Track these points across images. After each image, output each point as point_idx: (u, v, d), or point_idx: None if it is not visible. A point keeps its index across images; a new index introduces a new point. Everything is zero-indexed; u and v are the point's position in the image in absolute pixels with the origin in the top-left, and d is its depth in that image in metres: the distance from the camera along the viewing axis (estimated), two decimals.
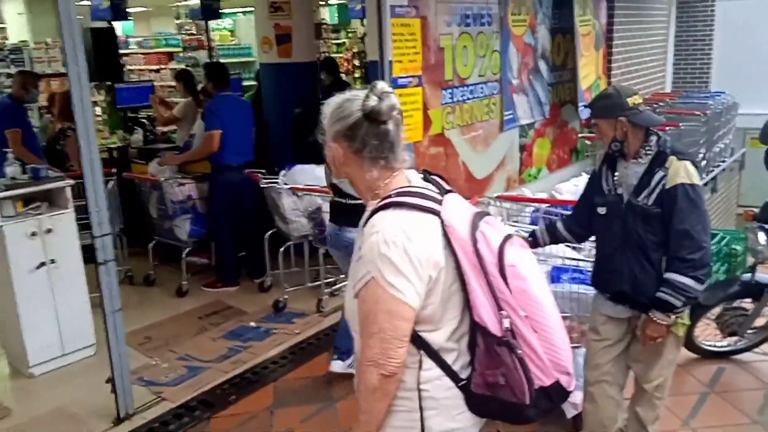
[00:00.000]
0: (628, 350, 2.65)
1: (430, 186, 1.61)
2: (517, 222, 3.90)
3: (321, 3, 12.01)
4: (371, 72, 5.05)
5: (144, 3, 12.99)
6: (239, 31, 13.90)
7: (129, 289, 5.11)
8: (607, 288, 2.57)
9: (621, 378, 2.69)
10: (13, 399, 3.71)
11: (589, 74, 7.35)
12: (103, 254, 3.21)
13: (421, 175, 1.65)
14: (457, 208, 1.56)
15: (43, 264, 3.85)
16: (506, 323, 1.48)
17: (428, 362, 1.54)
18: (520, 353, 1.48)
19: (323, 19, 12.35)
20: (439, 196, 1.57)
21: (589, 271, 2.82)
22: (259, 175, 4.89)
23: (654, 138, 2.44)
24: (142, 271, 5.35)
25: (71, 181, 4.01)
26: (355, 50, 12.62)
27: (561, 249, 3.16)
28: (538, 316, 1.51)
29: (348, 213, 3.32)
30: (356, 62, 12.34)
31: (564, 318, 2.71)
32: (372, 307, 1.48)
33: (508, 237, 1.56)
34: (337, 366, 3.66)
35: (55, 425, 3.41)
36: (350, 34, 13.27)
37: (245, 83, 8.84)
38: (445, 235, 1.50)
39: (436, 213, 1.52)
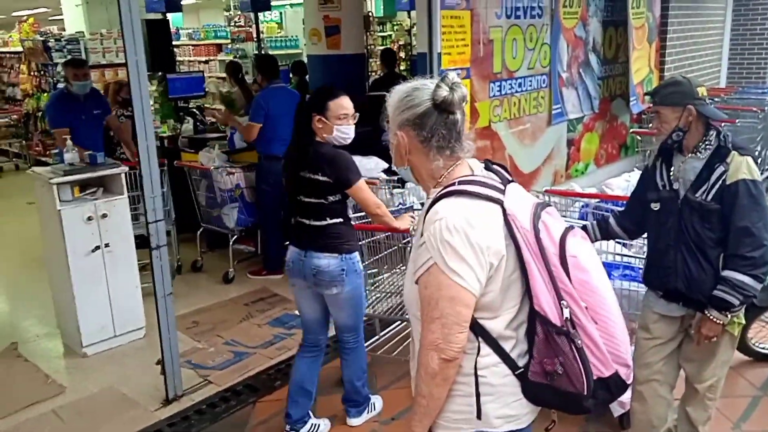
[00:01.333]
0: (680, 349, 2.59)
1: (492, 175, 1.61)
2: (565, 217, 3.84)
3: None
4: (419, 64, 5.04)
5: None
6: (286, 23, 14.03)
7: (177, 275, 5.23)
8: (659, 285, 2.51)
9: (672, 377, 2.63)
10: (67, 377, 3.85)
11: (641, 68, 7.18)
12: (156, 239, 3.30)
13: (483, 165, 1.64)
14: (519, 198, 1.56)
15: (97, 248, 3.98)
16: (566, 313, 1.47)
17: (486, 349, 1.55)
18: (579, 343, 1.47)
19: (370, 11, 12.36)
20: (501, 186, 1.57)
21: (640, 269, 2.76)
22: None
23: (714, 132, 2.37)
24: (190, 258, 5.47)
25: (125, 168, 4.13)
26: (401, 42, 12.60)
27: (612, 245, 3.11)
28: (599, 307, 1.51)
29: (314, 235, 2.91)
30: (402, 54, 12.31)
31: None
32: (434, 293, 1.49)
33: (570, 228, 1.56)
34: None
35: (108, 403, 3.52)
36: (396, 27, 13.25)
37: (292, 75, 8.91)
38: (507, 223, 1.50)
39: (499, 202, 1.52)
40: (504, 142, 5.51)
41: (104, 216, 3.98)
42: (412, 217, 3.17)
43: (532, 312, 1.52)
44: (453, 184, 1.55)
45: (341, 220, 2.92)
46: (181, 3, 8.90)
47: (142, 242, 3.76)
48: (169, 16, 8.70)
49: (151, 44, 7.03)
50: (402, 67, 12.03)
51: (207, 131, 6.38)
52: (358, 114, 2.92)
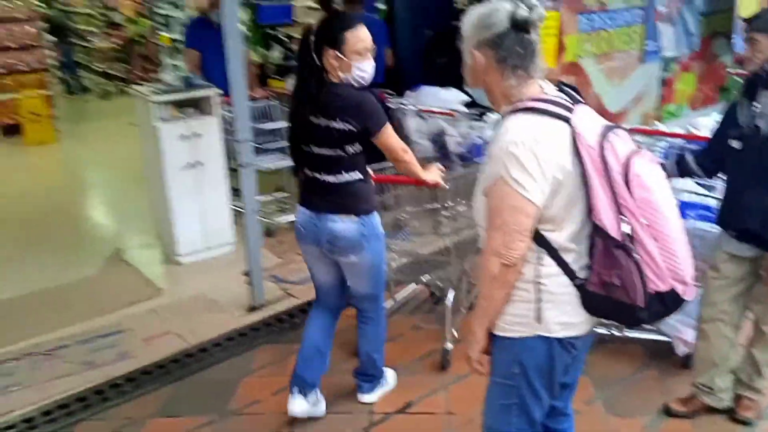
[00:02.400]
0: (749, 291, 2.58)
1: (562, 95, 1.67)
2: None
3: None
4: None
5: None
6: None
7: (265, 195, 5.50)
8: (734, 225, 2.48)
9: (737, 318, 2.63)
10: (164, 281, 4.24)
11: (750, 3, 6.67)
12: (243, 157, 3.52)
13: (556, 86, 1.70)
14: (587, 118, 1.62)
15: (191, 165, 4.27)
16: (625, 228, 1.54)
17: (547, 259, 1.65)
18: (636, 257, 1.55)
19: None
20: (570, 105, 1.63)
21: (717, 209, 2.73)
22: (386, 94, 5.00)
23: None
24: (275, 181, 5.73)
25: (219, 90, 4.35)
26: None
27: (690, 185, 3.06)
28: (660, 225, 1.56)
29: (330, 194, 2.50)
30: None
31: None
32: (498, 203, 1.60)
33: (637, 150, 1.61)
34: (298, 407, 2.74)
35: (199, 307, 3.87)
36: None
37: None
38: (573, 141, 1.57)
39: (567, 120, 1.59)
40: (590, 78, 5.35)
41: (197, 135, 4.25)
42: (442, 170, 2.83)
43: (593, 226, 1.59)
44: (522, 101, 1.62)
45: (361, 176, 2.52)
46: None
47: None
48: None
49: None
50: None
51: (294, 58, 6.53)
52: (375, 47, 2.53)
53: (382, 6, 8.33)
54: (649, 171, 1.59)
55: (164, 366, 3.28)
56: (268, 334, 3.57)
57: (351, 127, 2.41)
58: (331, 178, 2.48)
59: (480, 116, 4.72)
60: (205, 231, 4.43)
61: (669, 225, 1.58)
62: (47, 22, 9.92)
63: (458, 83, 4.47)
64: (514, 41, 1.61)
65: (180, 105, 4.26)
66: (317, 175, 2.51)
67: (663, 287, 1.57)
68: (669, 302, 1.60)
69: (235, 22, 3.38)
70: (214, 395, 3.05)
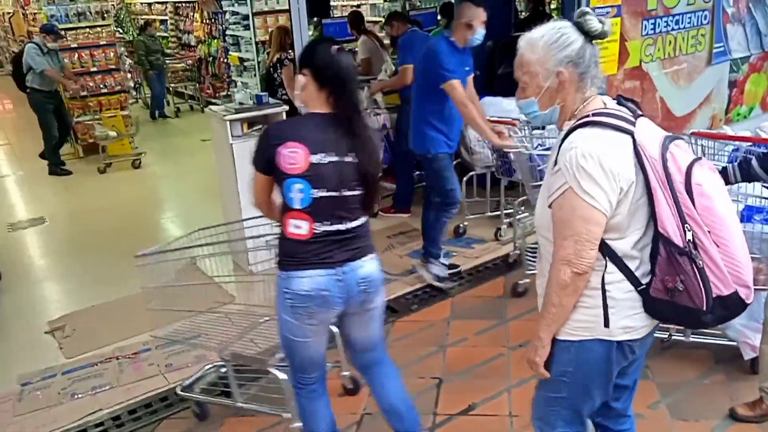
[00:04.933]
0: None
1: (623, 109, 1.74)
2: (714, 161, 3.70)
3: None
4: (567, 2, 4.95)
5: None
6: None
7: None
8: None
9: None
10: (236, 289, 4.44)
11: None
12: None
13: (615, 100, 1.77)
14: (648, 130, 1.69)
15: None
16: (689, 235, 1.61)
17: (612, 266, 1.71)
18: (700, 263, 1.61)
19: None
20: (632, 118, 1.70)
21: None
22: None
23: None
24: None
25: (286, 107, 4.56)
26: None
27: (757, 189, 3.01)
28: (721, 231, 1.62)
29: (353, 240, 2.21)
30: None
31: (752, 259, 2.63)
32: (568, 214, 1.66)
33: (697, 159, 1.66)
34: None
35: (269, 314, 4.04)
36: None
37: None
38: (637, 152, 1.64)
39: (629, 132, 1.66)
40: (655, 83, 5.28)
41: None
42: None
43: (656, 234, 1.65)
44: (588, 116, 1.69)
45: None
46: None
47: None
48: None
49: None
50: (553, 6, 11.59)
51: (359, 74, 6.71)
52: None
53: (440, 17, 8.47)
54: (709, 180, 1.64)
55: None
56: (331, 339, 3.69)
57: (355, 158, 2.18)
58: (355, 224, 2.20)
59: (543, 126, 4.73)
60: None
61: (730, 231, 1.63)
62: (136, 47, 10.54)
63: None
64: (592, 52, 1.71)
65: (252, 122, 4.48)
66: (340, 226, 2.17)
67: (726, 291, 1.62)
68: (731, 306, 1.64)
69: (306, 41, 3.56)
70: (287, 398, 3.19)
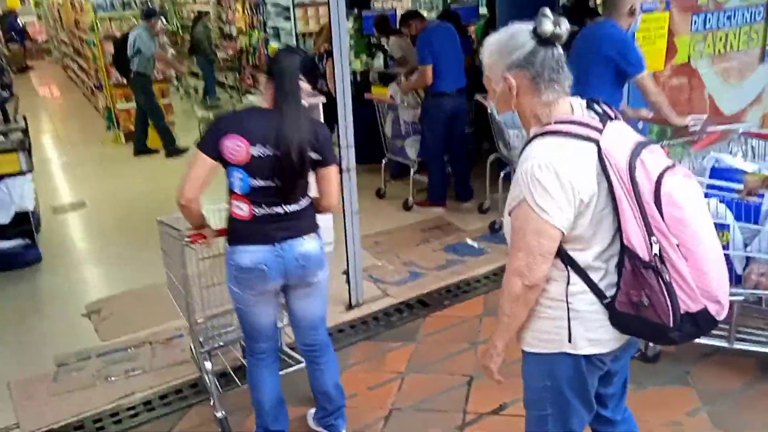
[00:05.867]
0: None
1: (591, 114, 1.66)
2: (763, 161, 3.56)
3: None
4: None
5: None
6: None
7: (363, 200, 5.65)
8: None
9: None
10: None
11: None
12: (346, 162, 3.66)
13: (585, 103, 1.69)
14: (617, 136, 1.60)
15: None
16: (655, 248, 1.53)
17: (575, 278, 1.66)
18: (666, 278, 1.53)
19: None
20: (598, 125, 1.61)
21: None
22: (482, 100, 5.01)
23: None
24: (374, 185, 5.90)
25: (323, 98, 4.54)
26: None
27: None
28: (691, 244, 1.54)
29: (293, 222, 2.40)
30: None
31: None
32: (522, 225, 1.62)
33: (670, 166, 1.58)
34: None
35: None
36: None
37: (482, 11, 8.85)
38: (601, 161, 1.56)
39: (594, 140, 1.57)
40: (704, 80, 5.09)
41: None
42: None
43: (621, 246, 1.58)
44: (549, 124, 1.62)
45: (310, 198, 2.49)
46: None
47: None
48: None
49: None
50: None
51: (397, 65, 6.67)
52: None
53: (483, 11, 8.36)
54: (681, 187, 1.56)
55: None
56: (366, 332, 3.69)
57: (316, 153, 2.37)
58: (294, 207, 2.39)
59: None
60: None
61: (702, 243, 1.55)
62: (197, 37, 10.72)
63: None
64: (544, 56, 1.61)
65: None
66: (278, 209, 2.36)
67: (695, 307, 1.55)
68: (701, 322, 1.57)
69: (344, 34, 3.53)
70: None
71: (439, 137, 5.30)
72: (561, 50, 1.64)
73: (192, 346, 3.25)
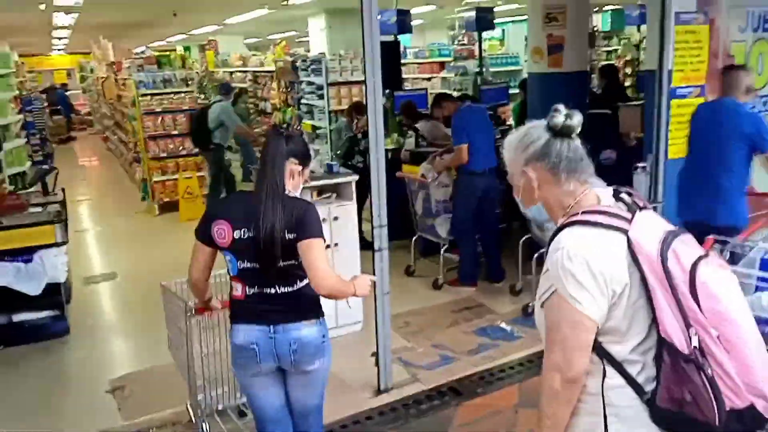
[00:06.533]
0: None
1: (619, 204, 1.64)
2: None
3: (595, 9, 11.69)
4: (646, 81, 4.85)
5: (422, 16, 13.95)
6: (508, 40, 14.16)
7: (392, 277, 5.59)
8: None
9: None
10: None
11: None
12: (379, 242, 3.64)
13: (612, 193, 1.68)
14: (647, 226, 1.58)
15: (328, 246, 4.45)
16: (694, 341, 1.47)
17: (611, 371, 1.59)
18: (709, 372, 1.46)
19: (595, 26, 12.00)
20: (627, 214, 1.60)
21: None
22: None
23: None
24: (404, 262, 5.84)
25: (356, 177, 4.58)
26: (628, 58, 12.02)
27: None
28: (732, 336, 1.48)
29: (285, 304, 2.38)
30: (628, 71, 11.75)
31: None
32: (556, 318, 1.58)
33: (704, 256, 1.54)
34: None
35: (328, 386, 3.91)
36: (623, 41, 12.67)
37: (511, 91, 9.02)
38: (631, 251, 1.53)
39: (623, 230, 1.56)
40: None
41: (336, 218, 4.46)
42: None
43: (659, 339, 1.52)
44: (577, 214, 1.62)
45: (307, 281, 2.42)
46: (411, 23, 9.48)
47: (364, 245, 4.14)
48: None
49: (383, 64, 7.64)
50: (627, 84, 11.50)
51: (428, 145, 6.75)
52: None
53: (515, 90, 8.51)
54: (717, 278, 1.51)
55: None
56: (395, 420, 3.55)
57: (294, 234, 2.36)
58: (280, 291, 2.38)
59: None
60: (336, 309, 4.55)
61: (742, 335, 1.49)
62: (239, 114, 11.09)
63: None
64: (560, 147, 1.65)
65: (321, 190, 4.51)
66: (269, 291, 2.38)
67: (741, 404, 1.47)
68: (748, 420, 1.48)
69: (379, 115, 3.60)
70: None
71: (471, 216, 5.28)
72: (578, 142, 1.68)
73: (188, 406, 3.26)
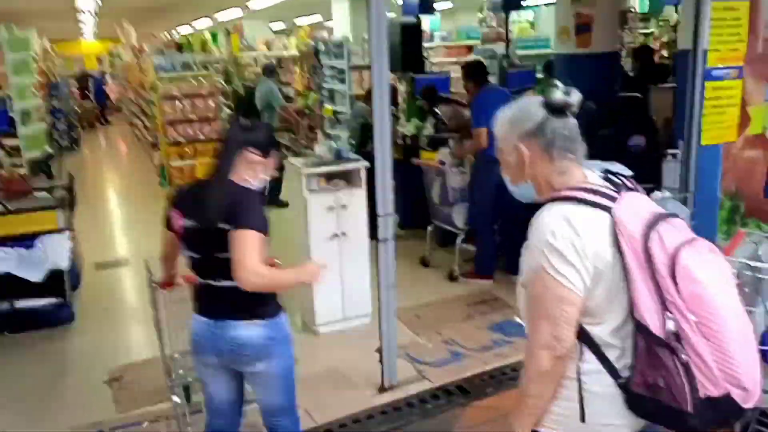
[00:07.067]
0: None
1: (606, 184, 1.62)
2: None
3: None
4: (680, 63, 4.53)
5: None
6: (540, 23, 13.73)
7: (406, 268, 5.40)
8: None
9: None
10: (300, 351, 4.18)
11: None
12: (384, 232, 3.42)
13: (601, 173, 1.66)
14: (633, 206, 1.56)
15: (336, 235, 4.27)
16: (670, 325, 1.45)
17: (588, 355, 1.58)
18: (684, 358, 1.44)
19: (632, 7, 11.51)
20: (614, 194, 1.57)
21: None
22: None
23: None
24: (419, 252, 5.62)
25: (366, 163, 4.36)
26: (665, 40, 11.51)
27: None
28: (712, 323, 1.44)
29: (227, 299, 2.27)
30: (665, 53, 11.25)
31: None
32: (542, 294, 1.56)
33: (691, 240, 1.51)
34: None
35: (330, 382, 3.76)
36: (661, 23, 12.14)
37: (538, 75, 8.67)
38: (614, 231, 1.51)
39: (607, 209, 1.53)
40: None
41: (344, 207, 4.26)
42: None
43: (634, 322, 1.51)
44: (562, 190, 1.60)
45: None
46: (436, 6, 9.19)
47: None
48: (426, 19, 9.06)
49: (404, 46, 7.41)
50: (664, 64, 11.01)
51: (447, 130, 6.49)
52: None
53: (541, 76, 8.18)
54: (701, 262, 1.47)
55: None
56: (397, 419, 3.36)
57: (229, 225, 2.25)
58: (222, 284, 2.27)
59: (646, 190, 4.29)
60: (343, 301, 4.38)
61: (723, 322, 1.45)
62: (239, 99, 10.95)
63: (620, 156, 4.11)
64: (555, 126, 1.62)
65: (330, 177, 4.31)
66: (212, 282, 2.31)
67: (716, 392, 1.44)
68: (724, 409, 1.45)
69: (385, 98, 3.38)
70: None
71: (489, 204, 5.01)
72: (574, 120, 1.64)
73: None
